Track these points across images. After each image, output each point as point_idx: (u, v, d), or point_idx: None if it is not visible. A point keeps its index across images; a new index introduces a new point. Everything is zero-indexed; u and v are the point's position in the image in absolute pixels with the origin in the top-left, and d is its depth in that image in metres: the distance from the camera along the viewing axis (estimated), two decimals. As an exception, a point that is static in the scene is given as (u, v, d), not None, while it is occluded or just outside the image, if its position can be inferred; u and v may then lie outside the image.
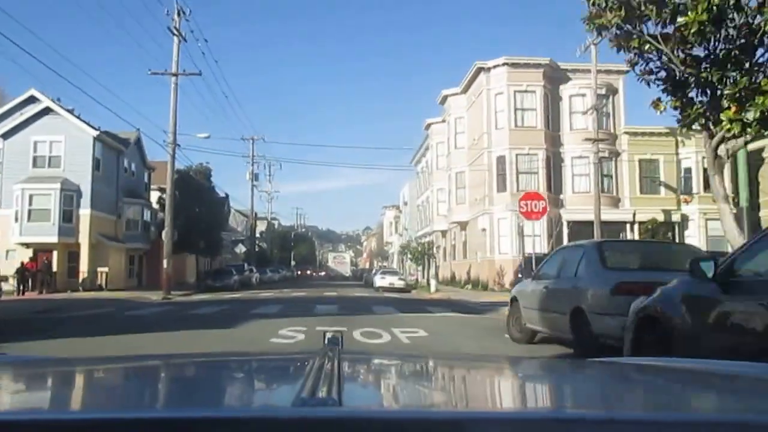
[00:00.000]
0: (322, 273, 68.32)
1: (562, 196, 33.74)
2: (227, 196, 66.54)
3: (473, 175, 36.69)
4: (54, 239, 31.03)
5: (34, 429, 0.91)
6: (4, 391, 1.39)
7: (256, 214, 61.78)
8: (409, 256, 42.41)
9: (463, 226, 39.00)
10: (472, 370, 1.84)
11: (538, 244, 32.71)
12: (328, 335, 1.72)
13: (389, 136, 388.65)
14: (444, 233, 44.39)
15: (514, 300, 10.62)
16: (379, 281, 36.15)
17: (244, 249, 52.25)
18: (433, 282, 32.34)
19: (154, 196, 40.58)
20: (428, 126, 46.31)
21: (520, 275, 26.23)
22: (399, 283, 35.77)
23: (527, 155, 33.20)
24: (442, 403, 1.33)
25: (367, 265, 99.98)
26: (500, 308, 17.28)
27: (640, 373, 1.70)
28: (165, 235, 31.40)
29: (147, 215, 39.52)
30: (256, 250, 70.18)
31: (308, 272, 68.58)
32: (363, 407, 1.13)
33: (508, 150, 33.13)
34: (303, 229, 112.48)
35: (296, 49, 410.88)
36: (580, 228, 29.31)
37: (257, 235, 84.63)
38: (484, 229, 34.11)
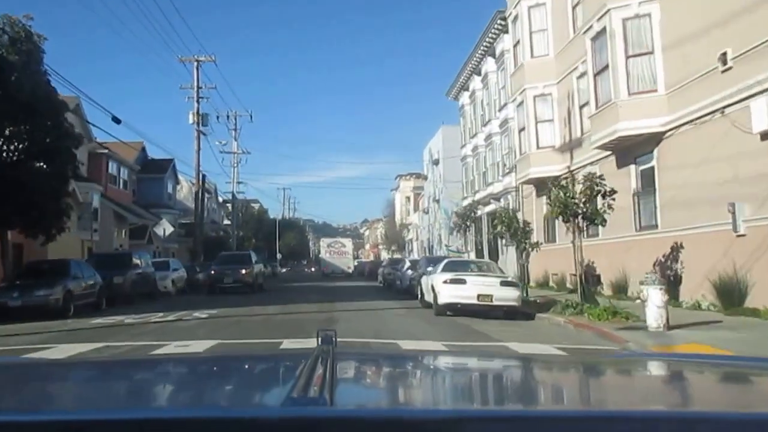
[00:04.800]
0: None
1: None
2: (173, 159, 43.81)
3: (681, 10, 13.89)
4: None
5: (29, 430, 0.88)
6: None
7: (203, 176, 38.18)
8: (500, 229, 18.55)
9: (637, 152, 16.37)
10: (467, 368, 1.78)
11: None
12: (322, 334, 1.55)
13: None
14: (552, 182, 20.22)
15: None
16: (448, 292, 13.33)
17: (170, 229, 29.35)
18: (659, 294, 9.64)
19: None
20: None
21: None
22: (507, 296, 13.02)
23: None
24: (434, 402, 1.28)
25: (371, 258, 78.60)
26: None
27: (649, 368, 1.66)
28: None
29: None
30: (213, 236, 47.32)
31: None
32: (353, 407, 1.08)
33: None
34: (294, 210, 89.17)
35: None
36: None
37: (226, 220, 61.63)
38: (772, 133, 11.35)
